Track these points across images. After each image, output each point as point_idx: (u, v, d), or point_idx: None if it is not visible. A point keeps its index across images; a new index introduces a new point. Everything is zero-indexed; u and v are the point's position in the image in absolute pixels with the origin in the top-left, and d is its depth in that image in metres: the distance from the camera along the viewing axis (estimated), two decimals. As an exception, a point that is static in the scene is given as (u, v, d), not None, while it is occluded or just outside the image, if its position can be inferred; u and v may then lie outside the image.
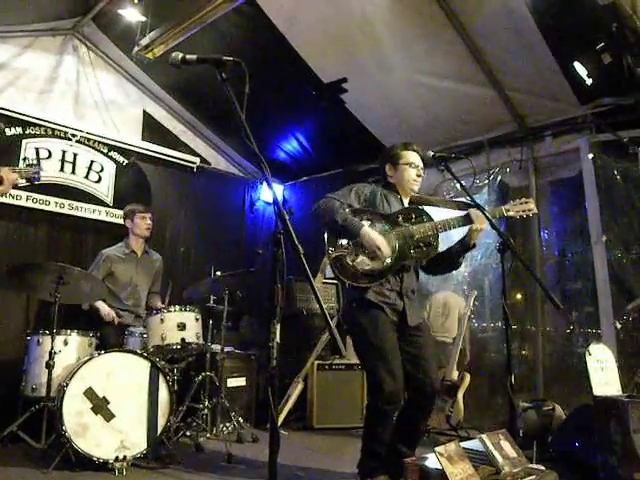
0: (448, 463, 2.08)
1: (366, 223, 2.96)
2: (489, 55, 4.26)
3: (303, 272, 1.79)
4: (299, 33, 4.54)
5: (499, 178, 5.03)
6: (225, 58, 2.05)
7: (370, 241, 2.89)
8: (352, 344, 3.21)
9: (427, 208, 3.17)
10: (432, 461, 2.18)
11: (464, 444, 2.36)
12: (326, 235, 3.03)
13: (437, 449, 2.12)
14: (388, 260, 2.93)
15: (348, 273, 2.95)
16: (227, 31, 4.61)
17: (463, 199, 3.32)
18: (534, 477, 2.25)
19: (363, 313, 3.00)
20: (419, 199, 3.30)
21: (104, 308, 4.25)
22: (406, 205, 3.22)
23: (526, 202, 3.07)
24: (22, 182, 3.18)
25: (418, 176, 3.15)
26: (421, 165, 3.18)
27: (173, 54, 2.13)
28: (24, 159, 3.27)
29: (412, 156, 3.17)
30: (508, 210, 3.06)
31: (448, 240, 3.21)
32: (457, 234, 3.16)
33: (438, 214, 3.14)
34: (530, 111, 4.68)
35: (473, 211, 3.01)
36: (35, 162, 3.29)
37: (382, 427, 2.95)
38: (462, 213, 3.07)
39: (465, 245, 3.10)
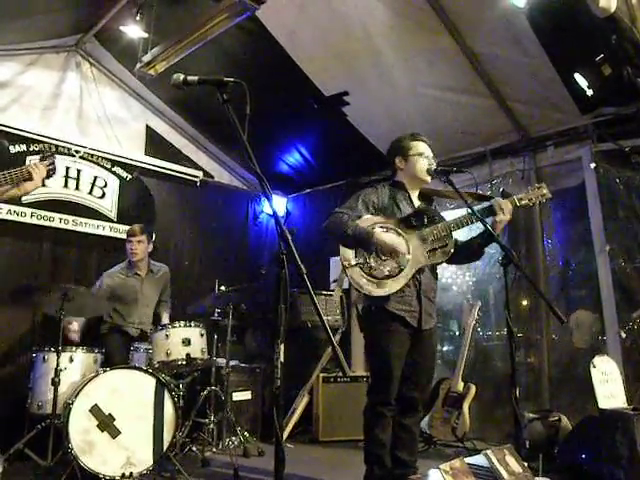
0: (453, 480, 2.08)
1: (378, 230, 2.97)
2: (490, 66, 4.28)
3: (307, 291, 1.81)
4: (301, 47, 4.57)
5: (502, 189, 5.01)
6: (226, 79, 2.06)
7: (384, 244, 2.90)
8: (364, 344, 3.23)
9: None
10: (437, 478, 2.17)
11: (469, 460, 2.36)
12: (341, 249, 3.04)
13: (442, 466, 2.12)
14: (405, 261, 2.93)
15: (368, 283, 2.95)
16: (229, 47, 4.66)
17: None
18: (540, 493, 2.24)
19: (381, 322, 3.00)
20: (431, 192, 3.28)
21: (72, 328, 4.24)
22: (416, 202, 3.20)
23: (539, 187, 3.04)
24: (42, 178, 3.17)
25: (430, 165, 3.10)
26: (431, 155, 3.14)
27: (175, 75, 2.14)
28: (39, 152, 3.26)
29: (422, 146, 3.15)
30: (521, 199, 3.00)
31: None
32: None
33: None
34: (532, 121, 4.69)
35: (496, 202, 2.97)
36: (48, 153, 3.27)
37: (380, 428, 3.01)
38: (484, 204, 3.03)
39: (488, 237, 3.03)
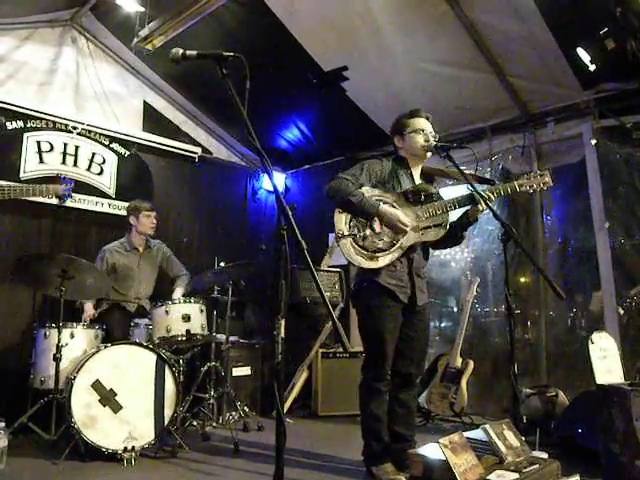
0: (452, 454, 2.10)
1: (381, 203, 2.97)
2: (491, 41, 4.22)
3: (307, 267, 1.81)
4: (299, 21, 4.49)
5: (501, 165, 5.00)
6: (225, 53, 2.04)
7: (390, 216, 2.91)
8: (357, 320, 3.24)
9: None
10: (436, 452, 2.20)
11: (467, 434, 2.38)
12: (335, 217, 3.04)
13: (441, 440, 2.14)
14: (401, 236, 2.94)
15: (359, 254, 2.96)
16: (227, 21, 4.58)
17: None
18: (537, 466, 2.26)
19: (373, 297, 3.03)
20: (433, 171, 3.28)
21: (87, 309, 4.29)
22: (417, 179, 3.20)
23: (541, 175, 3.02)
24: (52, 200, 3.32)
25: (426, 141, 3.08)
26: (430, 130, 3.11)
27: (173, 50, 2.11)
28: (57, 175, 3.47)
29: (419, 122, 3.13)
30: (521, 185, 3.00)
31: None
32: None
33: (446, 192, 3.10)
34: (532, 97, 4.64)
35: (478, 192, 2.95)
36: (65, 176, 3.46)
37: (375, 403, 3.05)
38: (468, 192, 3.02)
39: (466, 222, 3.10)
